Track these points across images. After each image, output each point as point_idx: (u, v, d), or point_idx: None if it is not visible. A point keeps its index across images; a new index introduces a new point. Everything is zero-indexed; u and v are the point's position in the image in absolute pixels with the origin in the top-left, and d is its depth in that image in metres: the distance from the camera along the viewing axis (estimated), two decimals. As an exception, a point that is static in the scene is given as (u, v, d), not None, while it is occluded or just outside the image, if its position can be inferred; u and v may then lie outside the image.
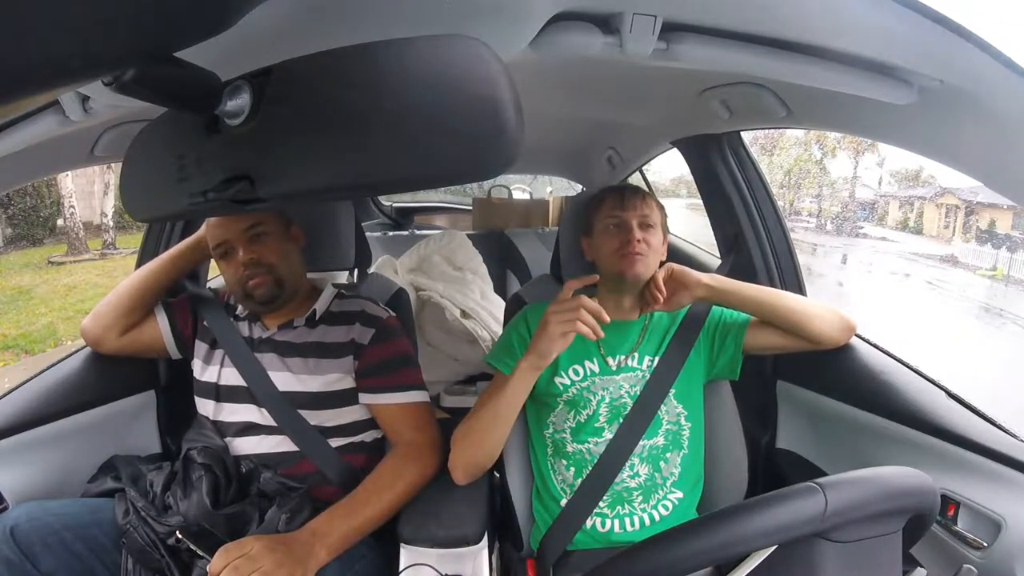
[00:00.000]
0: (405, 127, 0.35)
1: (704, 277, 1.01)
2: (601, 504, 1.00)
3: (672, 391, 1.04)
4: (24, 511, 0.90)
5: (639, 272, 1.00)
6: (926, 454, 0.93)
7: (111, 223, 8.98)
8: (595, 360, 1.05)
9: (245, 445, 1.04)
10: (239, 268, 1.03)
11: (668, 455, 1.03)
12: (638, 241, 1.00)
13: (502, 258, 2.49)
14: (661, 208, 1.07)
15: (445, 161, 0.35)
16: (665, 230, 1.08)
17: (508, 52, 0.62)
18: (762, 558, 0.58)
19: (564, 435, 1.04)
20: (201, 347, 1.12)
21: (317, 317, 1.09)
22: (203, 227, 1.13)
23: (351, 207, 1.30)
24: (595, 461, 1.01)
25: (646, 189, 1.10)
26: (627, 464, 1.00)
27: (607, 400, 1.03)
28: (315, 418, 1.04)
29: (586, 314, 0.85)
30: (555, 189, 3.42)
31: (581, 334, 0.86)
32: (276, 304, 1.06)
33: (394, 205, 3.20)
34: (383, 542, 0.98)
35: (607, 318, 0.86)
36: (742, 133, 1.34)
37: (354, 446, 1.08)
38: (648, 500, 1.01)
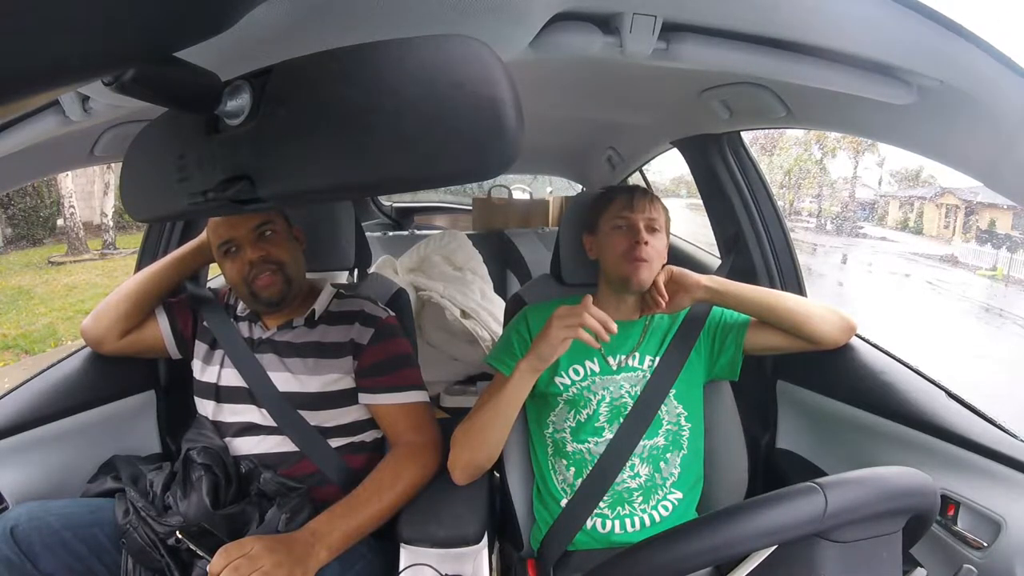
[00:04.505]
0: (405, 127, 0.35)
1: (703, 279, 1.01)
2: (601, 505, 1.00)
3: (672, 391, 1.04)
4: (24, 511, 0.90)
5: (644, 277, 1.00)
6: (926, 454, 0.93)
7: (111, 223, 8.98)
8: (595, 360, 1.05)
9: (245, 445, 1.04)
10: (244, 266, 1.03)
11: (668, 455, 1.03)
12: (645, 244, 1.00)
13: (502, 258, 2.49)
14: (666, 211, 1.07)
15: (445, 161, 0.35)
16: (668, 233, 1.08)
17: (508, 52, 0.62)
18: (762, 558, 0.58)
19: (564, 435, 1.04)
20: (201, 347, 1.12)
21: (316, 317, 1.09)
22: (205, 231, 1.13)
23: (351, 207, 1.30)
24: (595, 461, 1.01)
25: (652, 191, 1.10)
26: (627, 464, 1.01)
27: (607, 400, 1.03)
28: (315, 418, 1.04)
29: (592, 320, 0.85)
30: (555, 189, 3.42)
31: (582, 340, 0.86)
32: (282, 304, 1.06)
33: (394, 205, 3.20)
34: (383, 542, 0.98)
35: (615, 328, 0.86)
36: (742, 133, 1.34)
37: (354, 446, 1.08)
38: (648, 500, 1.01)
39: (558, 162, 2.53)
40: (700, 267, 1.44)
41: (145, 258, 1.32)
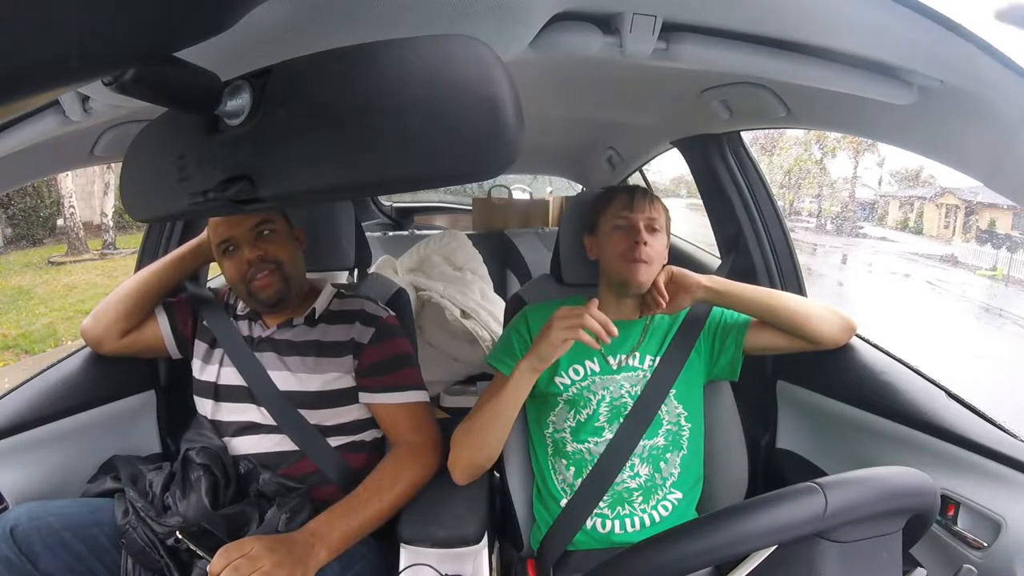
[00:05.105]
0: (405, 127, 0.35)
1: (703, 279, 1.01)
2: (601, 505, 1.00)
3: (672, 391, 1.04)
4: (24, 511, 0.90)
5: (644, 278, 1.00)
6: (926, 454, 0.93)
7: (111, 223, 8.98)
8: (596, 359, 1.05)
9: (244, 445, 1.04)
10: (243, 265, 1.03)
11: (668, 455, 1.03)
12: (645, 244, 1.00)
13: (502, 258, 2.49)
14: (666, 211, 1.07)
15: (445, 161, 0.35)
16: (668, 233, 1.08)
17: (508, 52, 0.62)
18: (762, 558, 0.58)
19: (564, 434, 1.04)
20: (201, 347, 1.12)
21: (317, 316, 1.09)
22: (205, 230, 1.13)
23: (351, 207, 1.30)
24: (595, 461, 1.01)
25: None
26: (627, 464, 1.00)
27: (607, 400, 1.03)
28: (315, 417, 1.04)
29: (593, 322, 0.85)
30: (555, 189, 3.42)
31: (582, 341, 0.86)
32: (281, 304, 1.07)
33: (394, 205, 3.20)
34: (383, 542, 0.98)
35: (615, 331, 0.86)
36: (742, 133, 1.34)
37: (354, 445, 1.08)
38: (648, 500, 1.01)
39: (558, 162, 2.53)
40: (700, 267, 1.44)
41: (145, 258, 1.32)
